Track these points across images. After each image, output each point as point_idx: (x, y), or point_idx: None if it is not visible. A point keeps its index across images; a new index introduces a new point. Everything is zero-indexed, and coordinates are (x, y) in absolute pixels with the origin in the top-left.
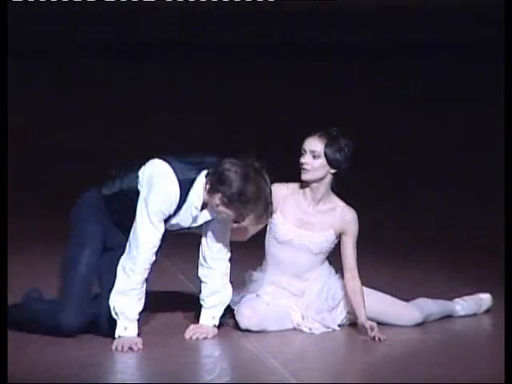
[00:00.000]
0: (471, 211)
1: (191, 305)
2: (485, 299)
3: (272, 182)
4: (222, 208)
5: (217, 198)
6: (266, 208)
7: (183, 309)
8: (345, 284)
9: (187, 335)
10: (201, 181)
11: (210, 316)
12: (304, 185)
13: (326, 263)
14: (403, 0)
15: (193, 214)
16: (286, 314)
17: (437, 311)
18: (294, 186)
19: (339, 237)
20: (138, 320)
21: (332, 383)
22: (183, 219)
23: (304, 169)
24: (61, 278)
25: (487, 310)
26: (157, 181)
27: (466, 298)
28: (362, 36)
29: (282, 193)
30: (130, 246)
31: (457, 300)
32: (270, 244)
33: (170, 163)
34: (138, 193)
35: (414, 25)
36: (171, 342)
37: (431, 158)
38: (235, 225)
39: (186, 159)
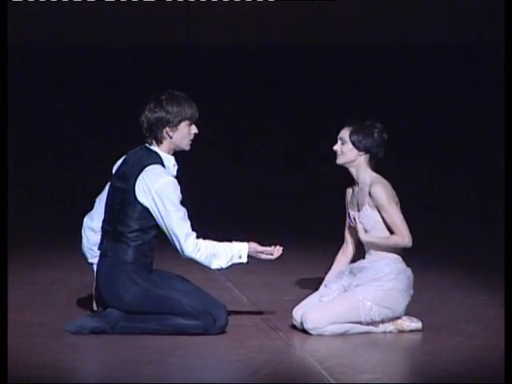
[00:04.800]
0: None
1: (234, 307)
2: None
3: None
4: (177, 135)
5: (165, 134)
6: (190, 103)
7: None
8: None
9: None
10: (153, 148)
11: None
12: (349, 175)
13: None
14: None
15: (175, 173)
16: None
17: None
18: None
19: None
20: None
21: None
22: None
23: (336, 155)
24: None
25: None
26: (158, 187)
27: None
28: None
29: (348, 192)
30: (179, 246)
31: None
32: None
33: (144, 166)
34: (145, 227)
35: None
36: (220, 342)
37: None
38: (194, 128)
39: (132, 157)
